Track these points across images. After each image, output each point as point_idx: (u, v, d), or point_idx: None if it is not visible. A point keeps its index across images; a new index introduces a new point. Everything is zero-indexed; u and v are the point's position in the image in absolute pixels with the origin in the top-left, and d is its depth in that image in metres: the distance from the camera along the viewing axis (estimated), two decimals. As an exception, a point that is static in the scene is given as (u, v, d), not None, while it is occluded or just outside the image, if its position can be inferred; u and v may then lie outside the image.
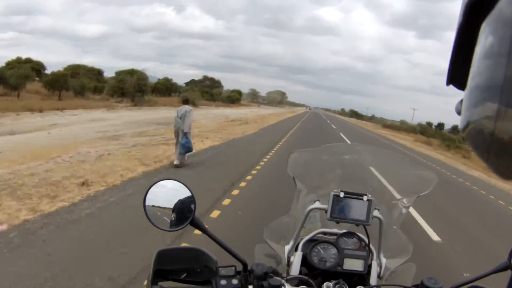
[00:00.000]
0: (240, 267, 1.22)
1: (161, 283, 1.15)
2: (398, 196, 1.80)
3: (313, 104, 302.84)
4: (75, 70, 45.62)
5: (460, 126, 0.42)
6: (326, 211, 1.51)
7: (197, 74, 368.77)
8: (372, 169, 2.04)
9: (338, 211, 1.50)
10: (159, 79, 65.01)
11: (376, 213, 1.52)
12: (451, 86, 0.46)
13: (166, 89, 59.89)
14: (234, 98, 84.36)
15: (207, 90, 79.53)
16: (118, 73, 50.67)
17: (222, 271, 1.20)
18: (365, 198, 1.49)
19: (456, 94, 0.47)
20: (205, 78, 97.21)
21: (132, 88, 37.84)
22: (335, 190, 1.51)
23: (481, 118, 0.36)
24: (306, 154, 2.06)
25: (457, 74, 0.43)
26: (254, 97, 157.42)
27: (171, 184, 1.20)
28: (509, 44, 0.31)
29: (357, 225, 1.52)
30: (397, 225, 1.76)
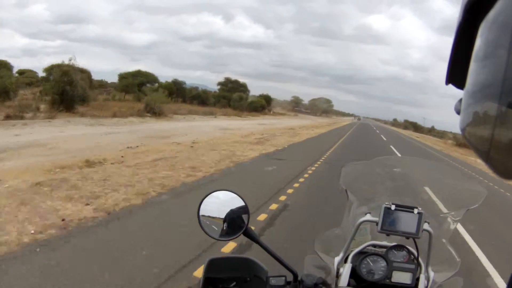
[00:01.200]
0: (290, 277, 1.24)
1: None
2: (444, 210, 1.82)
3: (363, 114, 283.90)
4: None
5: (459, 126, 0.42)
6: (377, 224, 1.51)
7: (247, 83, 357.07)
8: (423, 182, 2.17)
9: (388, 224, 1.50)
10: (166, 81, 58.84)
11: (426, 226, 1.50)
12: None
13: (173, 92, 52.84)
14: (257, 105, 70.29)
15: (224, 95, 67.82)
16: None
17: (272, 281, 1.21)
18: (415, 211, 1.49)
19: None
20: (228, 80, 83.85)
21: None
22: (386, 203, 1.52)
23: (480, 117, 0.36)
24: (358, 167, 2.13)
25: (457, 74, 0.43)
26: (296, 105, 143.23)
27: (224, 195, 1.24)
28: (508, 44, 0.31)
29: (407, 238, 1.51)
30: (446, 238, 1.75)
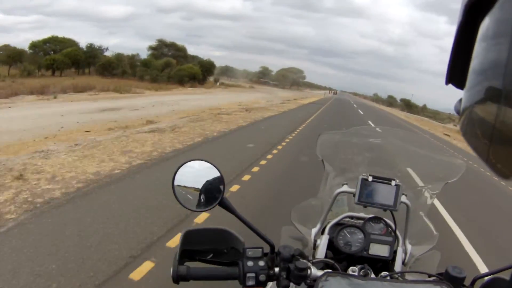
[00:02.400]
0: (267, 248, 1.22)
1: (187, 263, 1.15)
2: (421, 183, 1.81)
3: (340, 88, 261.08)
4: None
5: (459, 126, 0.42)
6: (354, 195, 1.51)
7: (224, 55, 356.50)
8: (400, 155, 2.10)
9: (366, 195, 1.49)
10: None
11: (403, 198, 1.50)
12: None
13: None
14: (185, 74, 49.70)
15: (147, 62, 50.61)
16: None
17: (249, 252, 1.19)
18: (393, 183, 1.48)
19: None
20: (162, 43, 61.60)
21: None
22: (363, 174, 1.50)
23: (480, 117, 0.36)
24: (335, 136, 2.09)
25: (457, 73, 0.43)
26: (263, 76, 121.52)
27: (199, 165, 1.21)
28: (509, 43, 0.31)
29: (384, 210, 1.50)
30: (424, 212, 1.75)
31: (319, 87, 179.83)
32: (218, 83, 63.16)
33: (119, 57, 51.64)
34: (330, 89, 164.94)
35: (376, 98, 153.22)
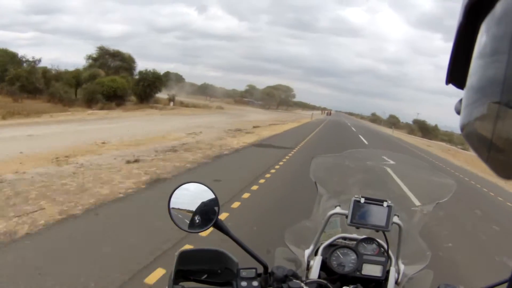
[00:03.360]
0: (261, 269, 1.25)
1: (182, 283, 1.18)
2: (417, 203, 1.86)
3: (336, 108, 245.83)
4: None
5: (459, 126, 0.42)
6: (346, 217, 1.53)
7: (220, 76, 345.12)
8: (393, 175, 2.31)
9: (358, 217, 1.51)
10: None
11: (395, 219, 1.53)
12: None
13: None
14: (96, 91, 34.45)
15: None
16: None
17: (243, 273, 1.23)
18: (385, 204, 1.51)
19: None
20: (103, 52, 46.04)
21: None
22: (356, 196, 1.53)
23: (480, 117, 0.36)
24: (328, 159, 2.16)
25: (457, 74, 0.43)
26: (248, 95, 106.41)
27: (195, 187, 1.25)
28: (509, 44, 0.31)
29: (377, 231, 1.52)
30: (416, 231, 1.76)
31: (313, 107, 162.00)
32: (172, 103, 47.67)
33: (31, 70, 36.28)
34: (324, 109, 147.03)
35: (375, 119, 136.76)
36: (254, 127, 23.62)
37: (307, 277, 1.53)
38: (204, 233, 1.32)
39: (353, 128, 38.64)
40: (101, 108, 31.16)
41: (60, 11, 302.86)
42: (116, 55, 47.36)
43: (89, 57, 45.83)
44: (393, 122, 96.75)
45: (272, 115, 51.25)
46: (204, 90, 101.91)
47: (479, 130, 0.36)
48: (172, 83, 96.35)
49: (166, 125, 20.76)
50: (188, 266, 1.21)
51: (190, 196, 1.24)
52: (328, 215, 1.60)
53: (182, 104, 50.36)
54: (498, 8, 0.33)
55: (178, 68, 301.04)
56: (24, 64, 38.11)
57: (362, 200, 1.52)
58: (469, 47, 0.39)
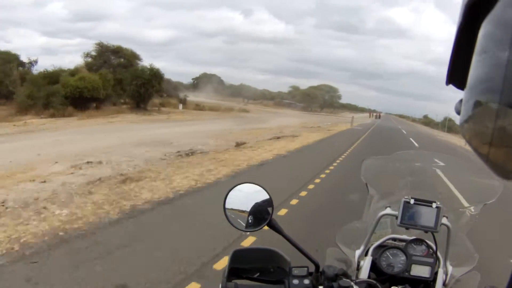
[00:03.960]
0: (312, 268, 1.27)
1: (235, 281, 1.19)
2: (466, 204, 1.85)
3: (384, 110, 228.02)
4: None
5: (459, 126, 0.42)
6: (396, 217, 1.53)
7: (268, 79, 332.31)
8: (442, 176, 2.27)
9: (408, 218, 1.52)
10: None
11: (444, 220, 1.52)
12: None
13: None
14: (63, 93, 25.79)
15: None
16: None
17: (295, 271, 1.23)
18: (434, 205, 1.51)
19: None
20: (104, 48, 37.36)
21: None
22: (405, 197, 1.54)
23: (480, 118, 0.36)
24: (378, 161, 2.18)
25: (457, 74, 0.43)
26: (289, 97, 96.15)
27: (249, 188, 1.28)
28: (509, 44, 0.31)
29: (426, 231, 1.53)
30: (464, 233, 1.76)
31: (362, 110, 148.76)
32: (181, 106, 38.70)
33: (5, 70, 28.69)
34: (373, 111, 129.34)
35: (427, 121, 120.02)
36: (237, 144, 13.69)
37: (357, 277, 1.53)
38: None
39: (411, 140, 26.03)
40: (53, 115, 22.72)
41: (106, 18, 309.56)
42: (117, 51, 38.70)
43: (87, 55, 37.36)
44: (449, 125, 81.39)
45: (305, 118, 41.32)
46: (239, 91, 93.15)
47: (479, 130, 0.36)
48: (204, 85, 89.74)
49: (100, 142, 13.01)
50: (241, 264, 1.22)
51: (244, 196, 1.27)
52: (379, 216, 1.60)
53: (197, 107, 41.30)
54: (498, 8, 0.33)
55: (227, 72, 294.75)
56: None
57: (412, 201, 1.52)
58: (469, 48, 0.39)
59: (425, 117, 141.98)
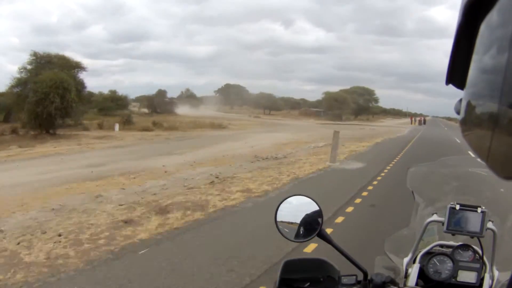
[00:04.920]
0: (361, 276, 1.29)
1: None
2: (509, 207, 1.84)
3: (432, 113, 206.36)
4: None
5: (459, 126, 0.42)
6: (443, 224, 1.54)
7: (314, 89, 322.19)
8: (488, 179, 2.11)
9: (454, 224, 1.52)
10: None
11: (489, 225, 1.52)
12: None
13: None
14: None
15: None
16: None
17: (344, 280, 1.26)
18: (479, 210, 1.51)
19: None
20: (39, 58, 26.28)
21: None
22: (451, 203, 1.54)
23: (480, 117, 0.36)
24: (423, 168, 2.21)
25: (457, 74, 0.43)
26: (326, 104, 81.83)
27: (299, 200, 1.33)
28: (508, 44, 0.31)
29: (472, 237, 1.54)
30: (510, 237, 1.74)
31: (407, 114, 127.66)
32: (117, 127, 27.31)
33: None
34: (414, 115, 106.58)
35: None
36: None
37: (405, 284, 1.55)
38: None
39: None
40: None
41: (148, 38, 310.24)
42: (48, 60, 27.34)
43: (22, 69, 26.51)
44: None
45: (305, 133, 28.25)
46: (261, 99, 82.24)
47: (479, 129, 0.36)
48: (226, 96, 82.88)
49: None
50: (292, 274, 1.25)
51: (294, 208, 1.30)
52: (426, 222, 1.61)
53: (149, 127, 29.28)
54: (497, 8, 0.33)
55: (274, 84, 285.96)
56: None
57: (457, 207, 1.52)
58: (469, 47, 0.38)
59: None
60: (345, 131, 35.11)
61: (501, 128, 0.32)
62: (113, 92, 45.43)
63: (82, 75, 27.83)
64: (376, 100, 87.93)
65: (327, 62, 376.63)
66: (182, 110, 56.13)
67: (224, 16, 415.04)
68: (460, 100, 0.42)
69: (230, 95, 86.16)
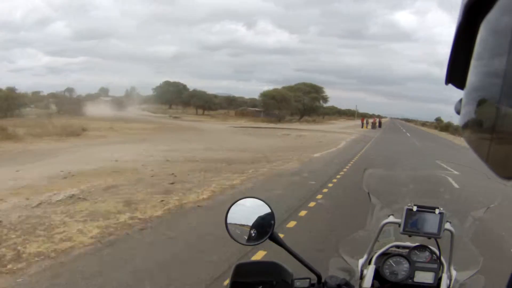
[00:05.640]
0: (314, 279, 1.29)
1: None
2: (469, 208, 1.88)
3: (393, 115, 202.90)
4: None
5: (459, 126, 0.42)
6: (399, 225, 1.55)
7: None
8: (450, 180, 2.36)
9: (410, 225, 1.53)
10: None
11: (447, 225, 1.54)
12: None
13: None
14: None
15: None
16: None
17: (297, 283, 1.26)
18: (437, 211, 1.52)
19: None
20: None
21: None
22: (408, 204, 1.55)
23: (480, 117, 0.36)
24: (380, 170, 2.30)
25: (457, 74, 0.43)
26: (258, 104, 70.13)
27: (251, 202, 1.31)
28: (508, 43, 0.31)
29: (429, 238, 1.55)
30: (468, 237, 1.78)
31: (355, 115, 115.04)
32: None
33: None
34: (366, 116, 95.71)
35: (444, 126, 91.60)
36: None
37: (360, 286, 1.54)
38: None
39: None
40: None
41: (110, 36, 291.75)
42: None
43: None
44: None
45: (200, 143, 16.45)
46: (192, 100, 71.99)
47: (479, 130, 0.36)
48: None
49: None
50: (244, 278, 1.23)
51: (246, 211, 1.28)
52: (382, 224, 1.61)
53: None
54: (497, 8, 0.33)
55: (232, 84, 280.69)
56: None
57: (415, 208, 1.52)
58: (469, 47, 0.38)
59: (438, 119, 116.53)
60: (246, 144, 22.52)
61: (501, 128, 0.32)
62: (11, 90, 42.80)
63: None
64: (326, 99, 75.90)
65: (288, 63, 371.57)
66: (100, 110, 48.53)
67: (187, 16, 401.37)
68: (460, 100, 0.42)
69: (168, 93, 76.64)
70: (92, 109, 48.10)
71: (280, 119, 58.70)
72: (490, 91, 0.34)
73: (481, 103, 0.36)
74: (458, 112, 0.43)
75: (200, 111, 70.55)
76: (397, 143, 26.67)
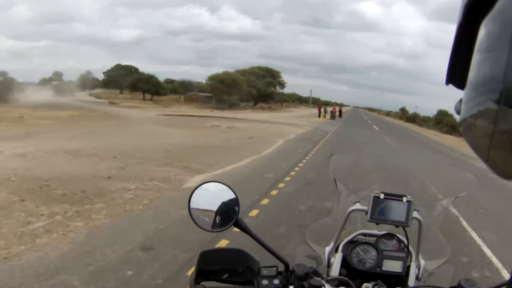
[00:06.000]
0: (281, 267, 1.25)
1: (203, 283, 1.17)
2: (439, 196, 2.31)
3: (353, 103, 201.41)
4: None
5: (459, 126, 0.42)
6: (366, 213, 1.53)
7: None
8: (415, 170, 3.87)
9: (378, 213, 1.51)
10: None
11: (415, 214, 1.52)
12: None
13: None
14: None
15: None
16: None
17: (264, 271, 1.22)
18: (404, 199, 1.50)
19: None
20: None
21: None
22: (375, 192, 1.52)
23: (480, 117, 0.36)
24: (347, 156, 3.38)
25: (457, 74, 0.43)
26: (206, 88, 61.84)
27: (215, 187, 1.25)
28: (509, 43, 0.31)
29: (397, 226, 1.52)
30: (436, 226, 1.77)
31: (327, 104, 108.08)
32: None
33: None
34: (323, 104, 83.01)
35: (410, 116, 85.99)
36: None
37: (328, 274, 1.52)
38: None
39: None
40: None
41: (73, 20, 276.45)
42: None
43: None
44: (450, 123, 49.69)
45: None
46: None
47: (479, 129, 0.36)
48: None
49: None
50: (209, 266, 1.20)
51: (210, 196, 1.23)
52: (348, 211, 1.60)
53: None
54: (497, 8, 0.33)
55: (194, 69, 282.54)
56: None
57: (382, 196, 1.50)
58: (469, 47, 0.38)
59: (403, 109, 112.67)
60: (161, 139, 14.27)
61: (501, 128, 0.32)
62: None
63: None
64: (283, 84, 68.50)
65: (250, 50, 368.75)
66: (39, 96, 44.22)
67: (150, 0, 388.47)
68: (460, 100, 0.41)
69: (119, 77, 68.59)
70: (32, 95, 43.97)
71: (230, 106, 51.00)
72: (490, 91, 0.33)
73: (480, 102, 0.35)
74: (458, 112, 0.42)
75: (148, 96, 62.09)
76: (362, 144, 18.24)
